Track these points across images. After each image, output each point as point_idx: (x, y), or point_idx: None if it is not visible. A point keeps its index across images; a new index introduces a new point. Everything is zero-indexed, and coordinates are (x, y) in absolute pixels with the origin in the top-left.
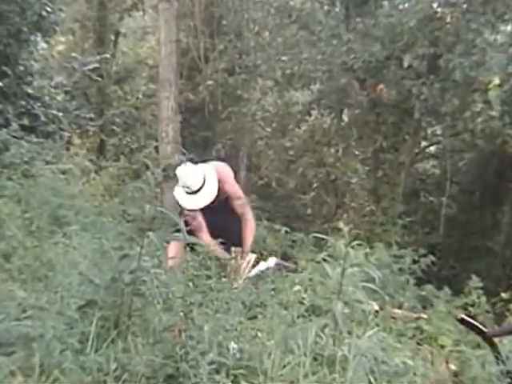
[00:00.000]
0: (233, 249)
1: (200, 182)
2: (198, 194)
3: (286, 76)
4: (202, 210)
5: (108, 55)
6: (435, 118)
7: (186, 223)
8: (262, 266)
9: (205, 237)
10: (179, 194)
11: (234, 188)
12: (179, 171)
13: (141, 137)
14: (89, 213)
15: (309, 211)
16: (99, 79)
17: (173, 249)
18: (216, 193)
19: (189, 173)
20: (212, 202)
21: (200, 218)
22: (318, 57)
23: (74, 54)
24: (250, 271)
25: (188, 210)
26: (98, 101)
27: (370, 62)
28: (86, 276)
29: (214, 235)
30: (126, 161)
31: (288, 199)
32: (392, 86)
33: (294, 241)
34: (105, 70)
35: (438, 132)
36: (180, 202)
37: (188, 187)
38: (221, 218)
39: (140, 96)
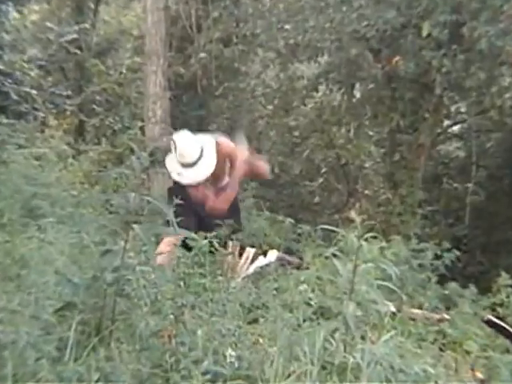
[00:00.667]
0: (230, 243)
1: (198, 152)
2: (195, 166)
3: (290, 46)
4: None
5: (87, 25)
6: (458, 93)
7: (177, 214)
8: (262, 261)
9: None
10: (173, 166)
11: (231, 150)
12: (175, 140)
13: (125, 116)
14: (66, 203)
15: (316, 200)
16: (78, 52)
17: (164, 244)
18: (213, 167)
19: (186, 141)
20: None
21: (204, 190)
22: (326, 25)
23: (49, 24)
24: (248, 268)
25: (183, 186)
26: (77, 76)
27: (384, 30)
28: (63, 275)
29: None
30: (108, 144)
31: (293, 186)
32: (409, 58)
33: (299, 234)
34: (84, 41)
35: (462, 109)
36: (174, 177)
37: (184, 158)
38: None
39: (124, 71)
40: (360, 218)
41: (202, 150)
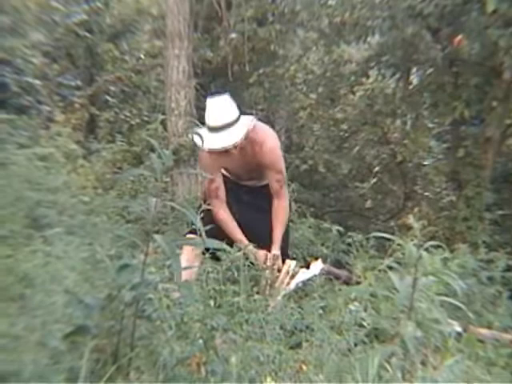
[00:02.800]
0: (268, 255)
1: (226, 117)
2: (221, 132)
3: (335, 26)
4: (226, 182)
5: (99, 4)
6: None
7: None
8: (305, 274)
9: (221, 211)
10: (202, 132)
11: (274, 157)
12: (208, 102)
13: (143, 109)
14: (76, 211)
15: (368, 204)
16: (88, 35)
17: (187, 256)
18: (242, 137)
19: (217, 104)
20: (241, 170)
21: (219, 182)
22: (377, 0)
23: (54, 4)
24: (289, 284)
25: (207, 153)
26: (87, 64)
27: (444, 5)
28: (73, 294)
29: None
30: (123, 141)
31: (341, 189)
32: (473, 38)
33: (349, 243)
34: (95, 23)
35: None
36: (197, 141)
37: (211, 121)
38: (250, 198)
39: (142, 56)
40: (419, 224)
41: (233, 119)
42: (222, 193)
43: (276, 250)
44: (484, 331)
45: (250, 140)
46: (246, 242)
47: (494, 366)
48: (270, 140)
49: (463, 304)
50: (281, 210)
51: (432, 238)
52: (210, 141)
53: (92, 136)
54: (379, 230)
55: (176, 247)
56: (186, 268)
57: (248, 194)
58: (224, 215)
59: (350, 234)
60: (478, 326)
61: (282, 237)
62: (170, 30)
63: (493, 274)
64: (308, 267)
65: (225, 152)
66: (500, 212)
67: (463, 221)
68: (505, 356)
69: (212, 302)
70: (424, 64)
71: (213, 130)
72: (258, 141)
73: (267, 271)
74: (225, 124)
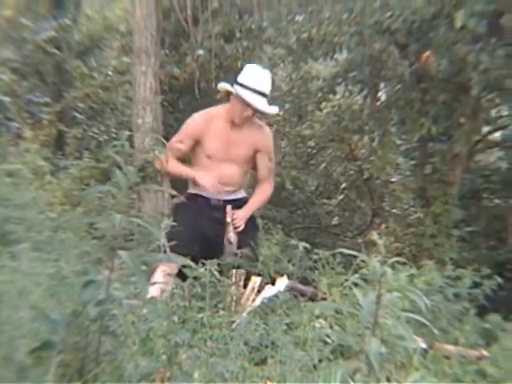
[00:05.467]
0: (233, 271)
1: (269, 89)
2: (263, 98)
3: (302, 42)
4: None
5: (68, 21)
6: (499, 94)
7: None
8: (270, 291)
9: (170, 160)
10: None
11: (269, 143)
12: (251, 68)
13: (111, 126)
14: (44, 227)
15: (335, 221)
16: (57, 52)
17: (159, 274)
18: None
19: (267, 75)
20: (229, 147)
21: (184, 149)
22: (344, 16)
23: (23, 21)
24: (254, 300)
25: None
26: (56, 80)
27: (412, 21)
28: (40, 310)
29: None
30: (91, 158)
31: (308, 205)
32: (442, 53)
33: (316, 260)
34: (64, 40)
35: (504, 113)
36: (230, 88)
37: (262, 86)
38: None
39: (110, 73)
40: (384, 241)
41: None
42: (178, 154)
43: (246, 211)
44: (450, 348)
45: (251, 121)
46: (192, 171)
47: (460, 383)
48: (268, 128)
49: (429, 321)
50: (264, 192)
51: (399, 255)
52: (254, 99)
53: (60, 152)
54: (347, 247)
55: (141, 263)
56: (153, 283)
57: (219, 211)
58: (172, 162)
59: (316, 250)
60: (444, 343)
61: (252, 252)
62: (138, 47)
63: (459, 291)
64: (273, 283)
65: (228, 124)
66: (468, 229)
67: (430, 237)
68: (471, 373)
69: (176, 318)
70: (392, 80)
71: (258, 93)
72: (258, 123)
73: (233, 288)
74: (267, 94)
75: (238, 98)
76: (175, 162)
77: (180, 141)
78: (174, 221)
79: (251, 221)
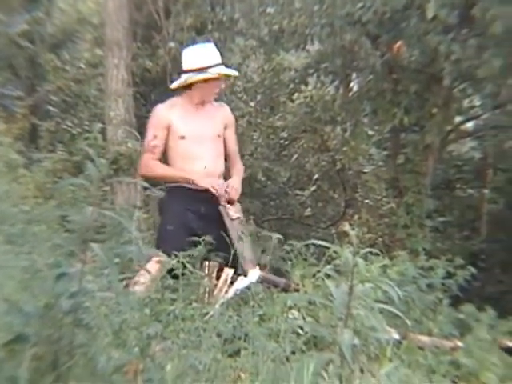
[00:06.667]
0: (206, 263)
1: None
2: (220, 66)
3: (274, 33)
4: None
5: (41, 13)
6: (471, 84)
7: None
8: (242, 282)
9: (150, 162)
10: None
11: (233, 119)
12: (189, 51)
13: (84, 119)
14: (16, 220)
15: (308, 212)
16: (29, 45)
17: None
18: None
19: (209, 47)
20: (204, 126)
21: (160, 143)
22: (315, 7)
23: None
24: (227, 291)
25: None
26: (29, 74)
27: (383, 12)
28: (12, 303)
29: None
30: (64, 151)
31: (280, 196)
32: (413, 44)
33: (289, 251)
34: (37, 33)
35: (476, 103)
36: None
37: (213, 59)
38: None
39: (82, 65)
40: (356, 231)
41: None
42: (158, 152)
43: (238, 182)
44: (424, 338)
45: (212, 103)
46: (188, 173)
47: (434, 374)
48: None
49: (402, 311)
50: (240, 171)
51: (372, 245)
52: (220, 70)
53: (33, 146)
54: (320, 238)
55: (113, 256)
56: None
57: (205, 203)
58: (154, 162)
59: (289, 242)
60: (417, 334)
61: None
62: (110, 39)
63: (433, 282)
64: (246, 275)
65: (193, 107)
66: (441, 219)
67: (403, 228)
68: (445, 363)
69: (148, 310)
70: (363, 71)
71: (213, 66)
72: (220, 103)
73: (205, 279)
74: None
75: (206, 81)
76: (161, 164)
77: (154, 136)
78: (161, 217)
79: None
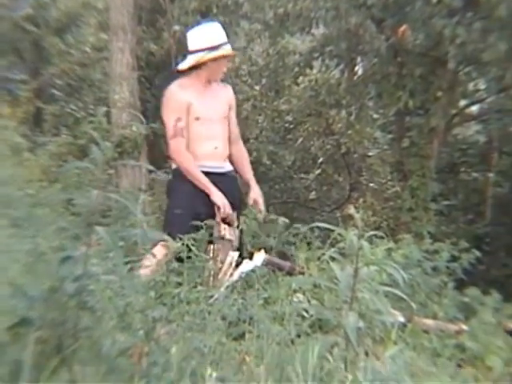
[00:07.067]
0: (211, 246)
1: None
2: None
3: (279, 17)
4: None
5: None
6: (476, 68)
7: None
8: (247, 265)
9: (187, 152)
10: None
11: (235, 101)
12: (196, 31)
13: (89, 102)
14: (21, 204)
15: (313, 195)
16: (34, 29)
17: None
18: None
19: (215, 26)
20: (213, 106)
21: (185, 123)
22: None
23: None
24: (232, 274)
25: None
26: (33, 58)
27: None
28: (17, 286)
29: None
30: (69, 134)
31: (285, 180)
32: (418, 27)
33: (294, 235)
34: (41, 17)
35: (481, 87)
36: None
37: (222, 37)
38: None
39: (87, 49)
40: (361, 214)
41: None
42: (186, 133)
43: (257, 187)
44: (429, 322)
45: (218, 84)
46: (211, 184)
47: (438, 357)
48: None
49: (407, 295)
50: (247, 157)
51: (377, 229)
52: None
53: (38, 129)
54: (324, 221)
55: (118, 239)
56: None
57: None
58: (189, 155)
59: (295, 225)
60: (422, 317)
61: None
62: (114, 23)
63: (438, 265)
64: (251, 258)
65: (203, 86)
66: (446, 202)
67: (408, 211)
68: (450, 347)
69: (153, 293)
70: (368, 54)
71: (224, 44)
72: (224, 84)
73: (211, 262)
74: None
75: (216, 60)
76: (193, 162)
77: (178, 119)
78: (169, 200)
79: (239, 194)
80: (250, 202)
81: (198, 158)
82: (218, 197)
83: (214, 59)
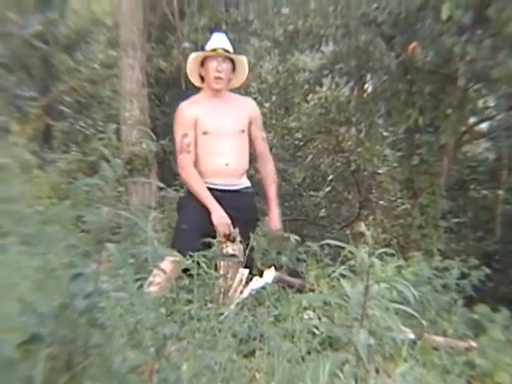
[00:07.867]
0: (221, 263)
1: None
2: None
3: (289, 34)
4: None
5: (55, 15)
6: (486, 85)
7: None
8: (257, 283)
9: (191, 167)
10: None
11: (258, 113)
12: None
13: (98, 119)
14: (31, 221)
15: (323, 213)
16: (44, 46)
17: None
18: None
19: (219, 35)
20: (226, 120)
21: (192, 138)
22: (330, 8)
23: (10, 15)
24: (242, 292)
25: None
26: (43, 75)
27: (398, 13)
28: (27, 303)
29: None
30: (78, 151)
31: (295, 198)
32: (428, 45)
33: (304, 252)
34: (51, 34)
35: (491, 104)
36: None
37: (219, 42)
38: (231, 146)
39: (96, 66)
40: (371, 232)
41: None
42: (193, 149)
43: (276, 209)
44: (439, 339)
45: (236, 97)
46: (214, 201)
47: (448, 374)
48: (258, 115)
49: (417, 312)
50: (270, 172)
51: (387, 246)
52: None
53: (47, 146)
54: (334, 239)
55: (128, 256)
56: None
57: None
58: (193, 171)
59: (306, 243)
60: (432, 334)
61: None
62: (124, 40)
63: (447, 282)
64: (261, 275)
65: (213, 99)
66: (455, 220)
67: (418, 229)
68: (460, 364)
69: (164, 310)
70: (378, 72)
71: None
72: (242, 97)
73: (221, 280)
74: (228, 47)
75: (203, 65)
76: (199, 180)
77: (184, 135)
78: (179, 216)
79: (254, 212)
80: (268, 223)
81: (206, 175)
82: (215, 216)
83: (201, 65)
